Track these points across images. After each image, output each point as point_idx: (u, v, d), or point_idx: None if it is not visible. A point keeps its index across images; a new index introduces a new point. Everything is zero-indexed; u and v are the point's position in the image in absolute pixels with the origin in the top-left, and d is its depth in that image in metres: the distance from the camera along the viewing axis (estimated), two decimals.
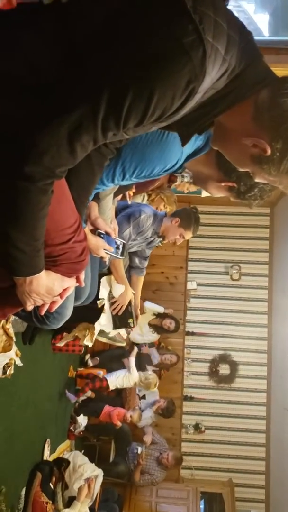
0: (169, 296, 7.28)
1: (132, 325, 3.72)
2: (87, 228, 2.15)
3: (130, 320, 3.65)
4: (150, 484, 5.85)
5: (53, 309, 1.44)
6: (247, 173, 1.66)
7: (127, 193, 3.18)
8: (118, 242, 2.31)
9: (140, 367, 6.08)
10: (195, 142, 1.81)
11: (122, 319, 3.67)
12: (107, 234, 2.20)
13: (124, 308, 3.55)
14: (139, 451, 5.61)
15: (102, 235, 2.19)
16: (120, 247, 2.34)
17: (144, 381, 5.46)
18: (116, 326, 3.88)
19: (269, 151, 1.13)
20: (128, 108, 1.02)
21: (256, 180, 1.26)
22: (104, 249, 2.21)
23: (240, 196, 1.78)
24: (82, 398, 5.19)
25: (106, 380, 5.36)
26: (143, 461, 5.65)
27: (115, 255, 2.31)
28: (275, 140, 1.12)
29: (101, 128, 1.05)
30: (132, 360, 5.48)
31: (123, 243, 2.34)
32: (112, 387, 5.37)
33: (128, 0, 1.05)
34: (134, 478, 5.66)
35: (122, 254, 2.36)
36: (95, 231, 2.23)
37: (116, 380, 5.39)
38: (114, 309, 3.52)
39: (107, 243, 2.20)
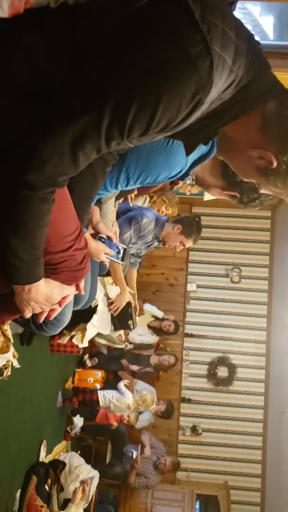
0: (169, 297, 7.27)
1: (131, 327, 3.71)
2: (88, 233, 2.13)
3: (130, 322, 3.65)
4: (145, 487, 5.83)
5: (52, 317, 1.42)
6: (251, 187, 1.65)
7: (129, 195, 3.17)
8: (119, 247, 2.30)
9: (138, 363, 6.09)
10: (200, 148, 1.79)
11: (122, 321, 3.66)
12: (109, 238, 2.19)
13: (120, 309, 3.54)
14: (134, 456, 5.58)
15: (103, 240, 2.18)
16: (121, 251, 2.32)
17: (142, 404, 5.37)
18: (116, 328, 3.88)
19: (275, 164, 1.11)
20: (133, 118, 1.00)
21: (262, 191, 1.24)
22: (105, 253, 2.19)
23: (241, 204, 1.78)
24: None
25: (97, 394, 5.26)
26: (138, 465, 5.63)
27: (116, 260, 2.29)
28: (282, 152, 1.10)
29: (105, 138, 1.03)
30: (121, 385, 5.38)
31: (124, 248, 2.33)
32: (101, 404, 5.22)
33: (137, 9, 1.03)
34: (129, 480, 5.64)
35: (122, 259, 2.34)
36: (96, 235, 2.22)
37: (105, 398, 5.23)
38: (112, 310, 3.51)
39: (108, 248, 2.19)
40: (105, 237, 2.19)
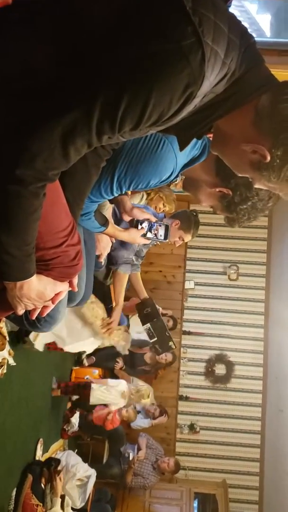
0: (167, 295, 7.26)
1: (174, 347, 3.70)
2: (111, 227, 2.14)
3: (171, 343, 3.63)
4: (142, 487, 5.81)
5: (45, 314, 1.41)
6: (246, 184, 1.63)
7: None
8: (161, 225, 2.33)
9: (133, 367, 6.04)
10: (191, 151, 1.78)
11: (164, 345, 3.64)
12: (148, 220, 2.23)
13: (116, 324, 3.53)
14: (131, 457, 5.55)
15: (142, 223, 2.24)
16: (163, 229, 2.34)
17: (136, 394, 5.19)
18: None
19: (268, 158, 1.10)
20: (124, 112, 0.99)
21: (256, 186, 1.23)
22: (144, 235, 2.27)
23: (231, 207, 1.74)
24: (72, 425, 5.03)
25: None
26: (134, 466, 5.60)
27: (156, 239, 2.33)
28: (276, 147, 1.08)
29: (96, 132, 1.02)
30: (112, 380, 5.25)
31: (166, 225, 2.34)
32: (92, 401, 4.90)
33: (127, 3, 1.02)
34: (125, 479, 5.61)
35: (166, 237, 2.35)
36: (133, 222, 2.25)
37: (97, 392, 4.93)
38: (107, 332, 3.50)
39: (150, 229, 2.26)
40: (144, 220, 2.24)
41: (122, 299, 3.42)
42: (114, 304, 3.64)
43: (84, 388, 4.95)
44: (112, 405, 4.96)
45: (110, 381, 5.11)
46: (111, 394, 4.92)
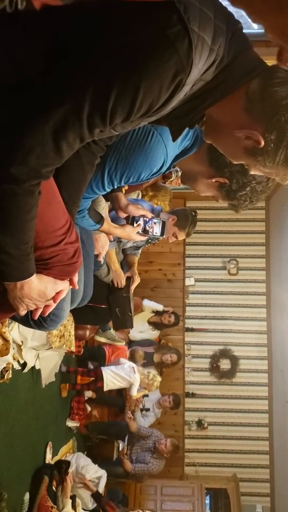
0: (168, 293, 7.26)
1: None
2: (107, 224, 2.13)
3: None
4: (146, 472, 5.62)
5: (47, 313, 1.40)
6: (241, 170, 1.64)
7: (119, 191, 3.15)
8: (156, 221, 2.33)
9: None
10: (182, 142, 1.78)
11: (121, 321, 3.63)
12: (143, 217, 2.22)
13: (123, 282, 3.51)
14: (121, 448, 5.51)
15: (138, 220, 2.23)
16: (159, 225, 2.34)
17: (147, 379, 5.16)
18: (115, 328, 3.86)
19: (262, 143, 1.10)
20: (114, 103, 0.98)
21: (252, 172, 1.23)
22: (138, 232, 2.26)
23: (231, 194, 1.75)
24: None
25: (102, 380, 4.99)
26: (124, 457, 5.50)
27: (152, 235, 2.33)
28: (269, 131, 1.08)
29: (87, 125, 1.01)
30: (123, 360, 5.23)
31: (163, 221, 2.34)
32: (105, 386, 4.93)
33: None
34: (125, 468, 5.48)
35: (162, 233, 2.35)
36: (129, 219, 2.25)
37: (108, 376, 4.94)
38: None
39: (145, 225, 2.26)
40: (140, 216, 2.24)
41: (117, 264, 3.40)
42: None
43: (95, 381, 4.96)
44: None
45: (122, 360, 5.11)
46: (122, 379, 4.94)
